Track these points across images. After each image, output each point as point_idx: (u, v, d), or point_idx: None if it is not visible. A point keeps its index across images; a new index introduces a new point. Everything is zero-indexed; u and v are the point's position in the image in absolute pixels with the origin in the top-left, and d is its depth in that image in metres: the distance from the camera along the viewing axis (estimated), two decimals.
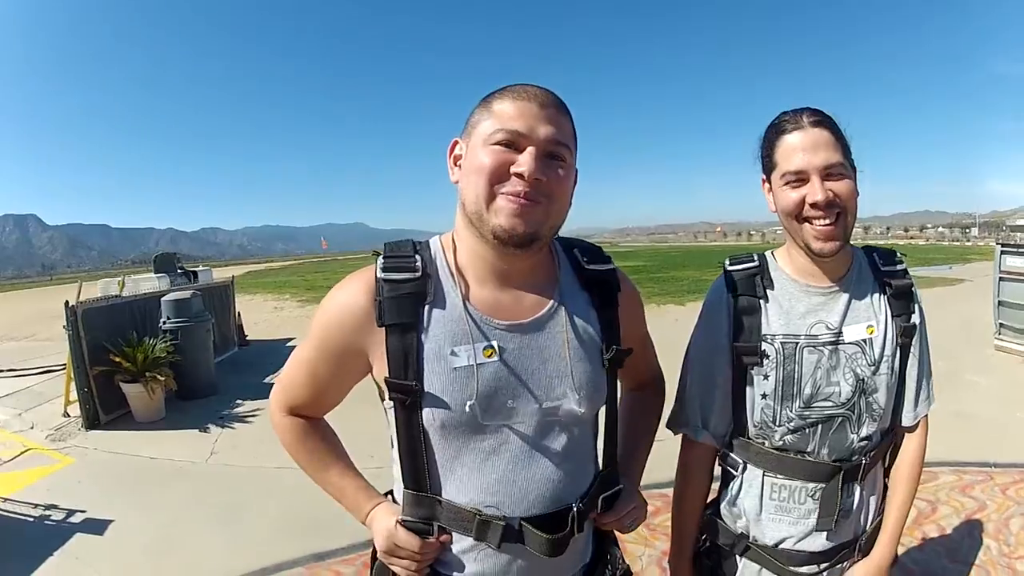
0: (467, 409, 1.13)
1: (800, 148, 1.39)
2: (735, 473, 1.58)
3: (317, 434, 1.35)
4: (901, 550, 3.57)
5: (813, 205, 1.37)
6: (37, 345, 12.73)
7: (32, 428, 6.91)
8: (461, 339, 1.15)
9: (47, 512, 4.56)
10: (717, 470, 1.67)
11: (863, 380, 1.47)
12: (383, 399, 1.22)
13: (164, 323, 7.81)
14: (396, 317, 1.14)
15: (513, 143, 1.11)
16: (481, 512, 1.18)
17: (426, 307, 1.16)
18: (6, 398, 8.33)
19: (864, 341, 1.47)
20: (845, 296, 1.49)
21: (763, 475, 1.53)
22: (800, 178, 1.39)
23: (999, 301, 8.73)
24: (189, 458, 5.77)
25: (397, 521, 1.23)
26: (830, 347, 1.46)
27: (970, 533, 3.78)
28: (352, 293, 1.18)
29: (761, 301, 1.51)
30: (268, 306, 18.89)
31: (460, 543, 1.22)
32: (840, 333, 1.47)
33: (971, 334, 9.30)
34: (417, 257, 1.19)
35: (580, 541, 1.30)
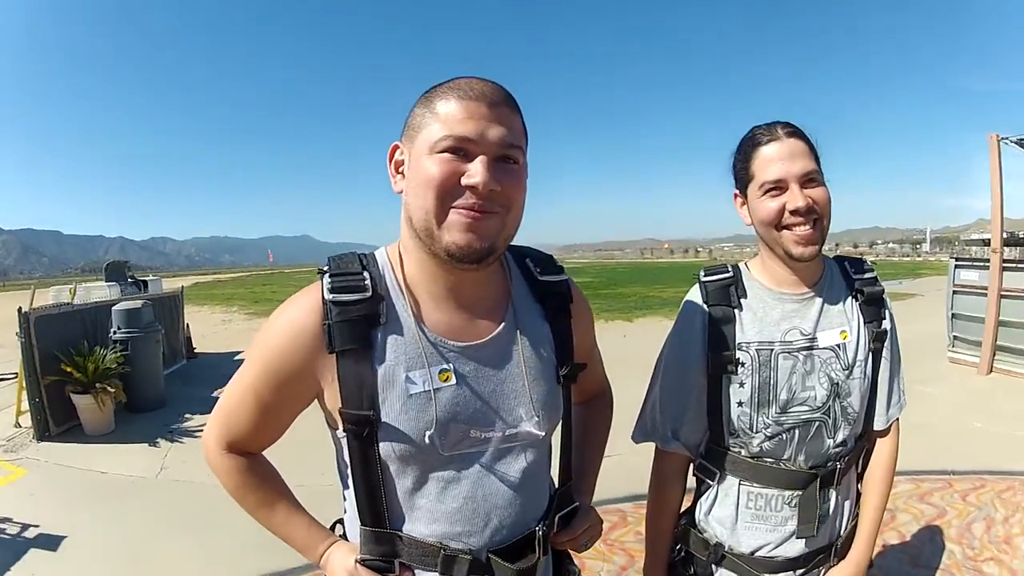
0: (426, 440, 1.06)
1: (778, 158, 1.42)
2: (710, 483, 1.58)
3: (261, 472, 1.26)
4: None
5: (794, 212, 1.40)
6: None
7: None
8: (416, 363, 1.08)
9: (1, 526, 4.38)
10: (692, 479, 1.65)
11: (837, 384, 1.49)
12: (333, 428, 1.15)
13: (115, 333, 7.60)
14: (348, 342, 1.05)
15: (462, 149, 1.01)
16: (446, 546, 1.12)
17: (379, 330, 1.08)
18: None
19: (838, 346, 1.50)
20: (818, 302, 1.52)
21: (739, 484, 1.53)
22: (779, 187, 1.42)
23: (952, 314, 8.95)
24: (140, 473, 5.60)
25: (357, 560, 1.15)
26: (804, 352, 1.48)
27: (931, 539, 3.85)
28: (298, 315, 1.08)
29: (735, 310, 1.52)
30: (216, 319, 18.57)
31: None
32: (814, 339, 1.49)
33: (924, 347, 9.48)
34: (366, 275, 1.10)
35: (542, 562, 1.24)
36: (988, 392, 7.50)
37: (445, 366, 1.09)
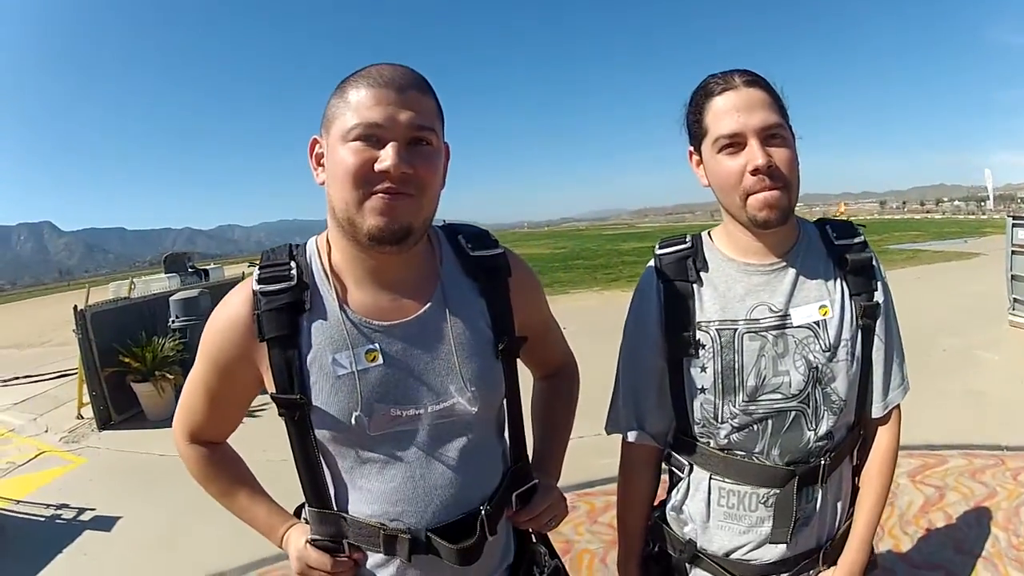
0: (353, 421, 1.09)
1: (735, 109, 1.23)
2: (681, 475, 1.43)
3: (223, 461, 1.31)
4: (907, 541, 3.47)
5: (754, 171, 1.21)
6: (54, 350, 12.89)
7: (47, 431, 7.04)
8: (341, 345, 1.10)
9: (58, 512, 4.65)
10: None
11: (817, 368, 1.30)
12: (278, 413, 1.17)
13: (173, 322, 7.89)
14: (275, 330, 1.09)
15: (374, 136, 1.03)
16: (386, 526, 1.13)
17: (304, 317, 1.11)
18: (23, 403, 8.49)
19: (816, 324, 1.30)
20: (791, 273, 1.32)
21: (710, 478, 1.38)
22: (736, 142, 1.23)
23: (1012, 275, 8.48)
24: None
25: (307, 541, 1.19)
26: (775, 332, 1.30)
27: (978, 522, 3.63)
28: (233, 307, 1.13)
29: (694, 285, 1.36)
30: None
31: (373, 558, 1.18)
32: (787, 316, 1.30)
33: (985, 310, 9.09)
34: (292, 264, 1.13)
35: (498, 544, 1.24)
36: None
37: (371, 346, 1.11)
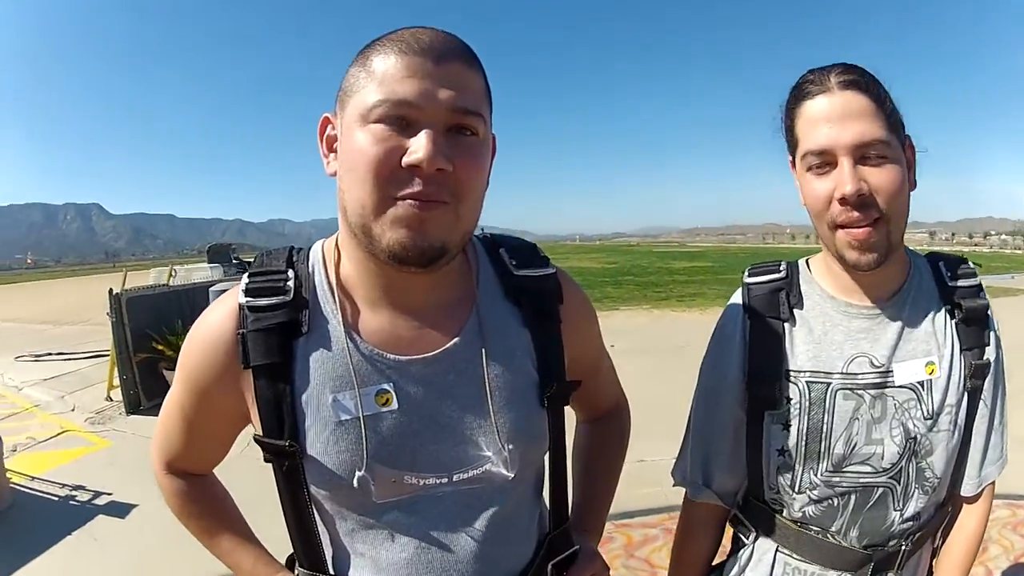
0: (355, 483, 0.86)
1: (825, 119, 1.00)
2: (745, 541, 1.25)
3: (204, 497, 1.09)
4: None
5: (841, 200, 0.99)
6: (92, 329, 13.05)
7: (73, 410, 7.13)
8: (345, 383, 0.87)
9: (73, 492, 4.66)
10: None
11: (915, 438, 1.09)
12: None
13: None
14: (263, 356, 0.86)
15: (403, 117, 0.79)
16: None
17: (300, 342, 0.88)
18: (53, 380, 8.66)
19: (920, 384, 1.09)
20: (898, 321, 1.11)
21: (776, 550, 1.19)
22: (826, 160, 1.01)
23: None
24: None
25: None
26: (874, 391, 1.09)
27: None
28: (214, 322, 0.91)
29: (786, 324, 1.14)
30: None
31: None
32: (889, 372, 1.09)
33: None
34: (290, 274, 0.91)
35: None
36: None
37: (383, 386, 0.88)
